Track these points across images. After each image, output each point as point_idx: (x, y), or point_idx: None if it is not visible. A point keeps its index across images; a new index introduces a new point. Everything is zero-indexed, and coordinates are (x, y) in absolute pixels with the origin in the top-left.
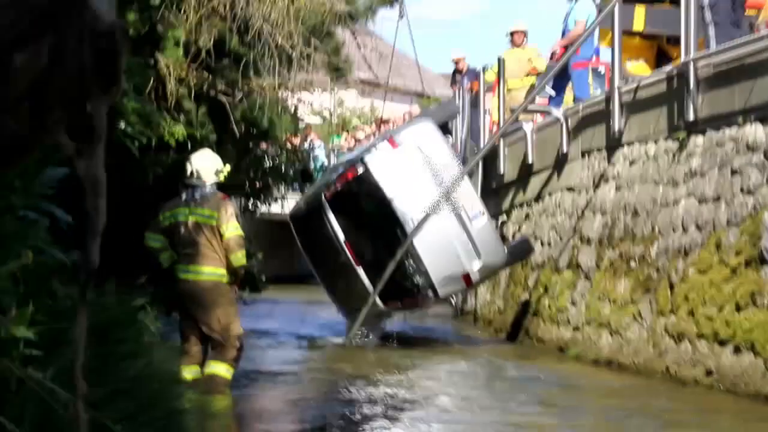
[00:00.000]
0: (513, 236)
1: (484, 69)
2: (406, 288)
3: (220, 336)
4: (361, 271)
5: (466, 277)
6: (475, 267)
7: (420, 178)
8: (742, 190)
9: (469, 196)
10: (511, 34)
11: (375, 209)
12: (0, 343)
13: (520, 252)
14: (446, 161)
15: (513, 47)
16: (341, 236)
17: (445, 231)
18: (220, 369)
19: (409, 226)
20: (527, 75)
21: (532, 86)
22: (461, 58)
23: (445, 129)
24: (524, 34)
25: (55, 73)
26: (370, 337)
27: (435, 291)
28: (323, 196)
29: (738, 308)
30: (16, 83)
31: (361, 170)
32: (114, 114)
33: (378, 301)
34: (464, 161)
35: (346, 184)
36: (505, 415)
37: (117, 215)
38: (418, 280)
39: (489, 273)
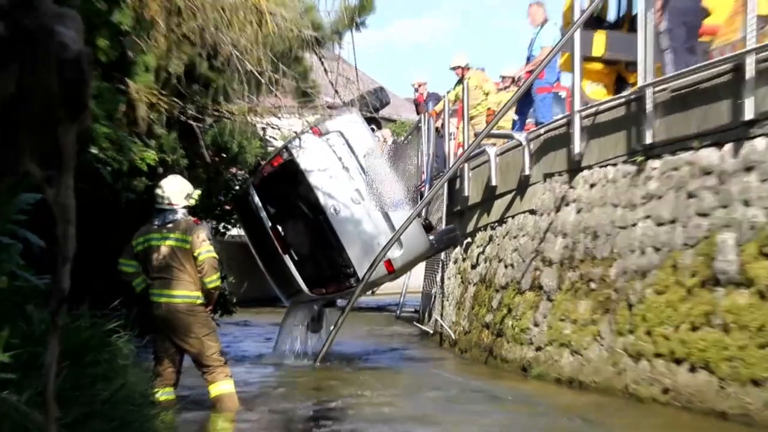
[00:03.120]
0: (446, 230)
1: (448, 92)
2: (330, 275)
3: (199, 356)
4: (287, 258)
5: (388, 264)
6: (396, 254)
7: (343, 166)
8: (697, 212)
9: (391, 187)
10: (452, 69)
11: (298, 196)
12: None
13: (446, 240)
14: (369, 149)
15: (458, 80)
16: (267, 223)
17: (370, 221)
18: (222, 388)
19: (330, 213)
20: (479, 103)
21: (491, 111)
22: (423, 83)
23: (374, 121)
24: (464, 68)
25: (22, 101)
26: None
27: (357, 278)
28: (251, 183)
29: (693, 328)
30: None
31: (285, 157)
32: (85, 140)
33: (305, 288)
34: (430, 183)
35: (272, 171)
36: (468, 429)
37: (90, 240)
38: (341, 267)
39: (412, 260)
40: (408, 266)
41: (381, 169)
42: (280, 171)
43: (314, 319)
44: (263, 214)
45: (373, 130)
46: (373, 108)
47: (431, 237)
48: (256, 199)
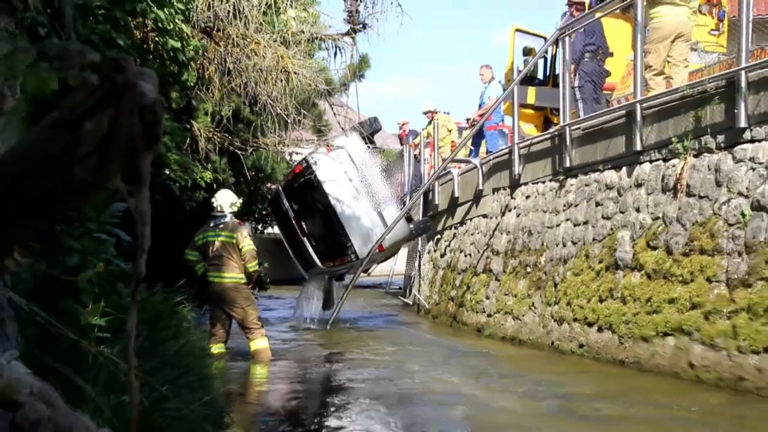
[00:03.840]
0: (421, 220)
1: (423, 129)
2: (337, 252)
3: (243, 321)
4: (305, 240)
5: (381, 246)
6: (384, 238)
7: (346, 173)
8: (602, 216)
9: (383, 190)
10: (425, 113)
11: (314, 195)
12: (81, 328)
13: (422, 229)
14: (366, 162)
15: (429, 121)
16: (291, 214)
17: (365, 213)
18: (259, 344)
19: (337, 207)
20: (444, 137)
21: (454, 143)
22: (406, 122)
23: (370, 140)
24: (433, 112)
25: (113, 136)
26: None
27: (356, 255)
28: (279, 186)
29: (601, 300)
30: (85, 144)
31: (304, 166)
32: (159, 164)
33: (318, 261)
34: (410, 195)
35: (295, 176)
36: (433, 374)
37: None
38: (345, 247)
39: (396, 242)
40: (393, 246)
41: (373, 175)
42: (301, 177)
43: (326, 300)
44: (288, 208)
45: (369, 147)
46: (368, 132)
47: (411, 226)
48: (283, 197)
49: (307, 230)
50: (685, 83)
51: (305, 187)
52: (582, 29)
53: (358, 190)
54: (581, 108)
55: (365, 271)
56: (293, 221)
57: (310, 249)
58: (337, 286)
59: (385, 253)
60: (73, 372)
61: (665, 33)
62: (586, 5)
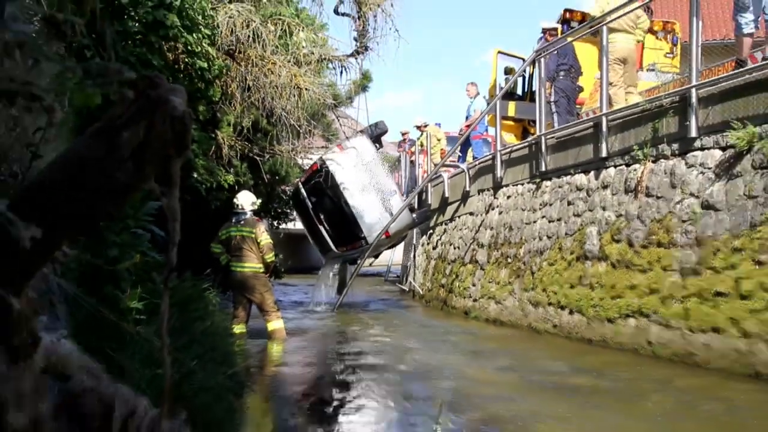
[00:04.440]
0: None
1: (417, 139)
2: (350, 239)
3: (261, 305)
4: (322, 229)
5: (387, 233)
6: (390, 226)
7: (356, 169)
8: (573, 214)
9: (388, 183)
10: (416, 127)
11: (328, 189)
12: (121, 311)
13: (423, 217)
14: (373, 159)
15: (421, 133)
16: (310, 206)
17: (373, 204)
18: (275, 324)
19: (350, 199)
20: (434, 146)
21: (443, 150)
22: (407, 132)
23: (378, 141)
24: (424, 125)
25: (147, 143)
26: (324, 302)
27: (366, 240)
28: (299, 181)
29: (571, 286)
30: (124, 150)
31: (320, 163)
32: (188, 168)
33: (333, 246)
34: (407, 195)
35: (312, 173)
36: (426, 351)
37: (191, 231)
38: (357, 233)
39: (401, 229)
40: (399, 233)
41: (379, 170)
42: (317, 174)
43: (341, 285)
44: (307, 200)
45: (376, 147)
46: (375, 134)
47: (414, 215)
48: (302, 191)
49: (323, 220)
50: (623, 105)
51: (321, 183)
52: (555, 51)
53: (367, 184)
54: (556, 120)
55: (375, 256)
56: (311, 212)
57: (327, 236)
58: (350, 271)
59: (392, 238)
60: (114, 349)
61: (620, 55)
62: (559, 31)
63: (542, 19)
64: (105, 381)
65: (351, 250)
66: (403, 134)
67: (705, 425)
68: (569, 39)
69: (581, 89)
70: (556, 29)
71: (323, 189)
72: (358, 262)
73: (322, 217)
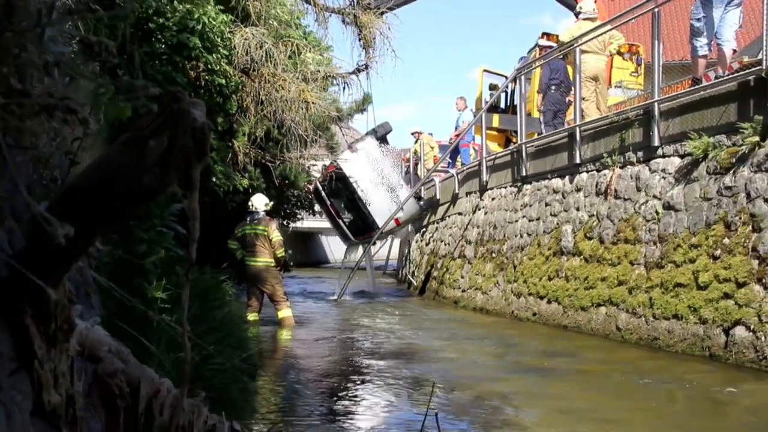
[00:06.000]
0: (425, 201)
1: (412, 146)
2: (365, 228)
3: (272, 295)
4: (340, 221)
5: (397, 220)
6: (400, 214)
7: (366, 167)
8: (551, 214)
9: (396, 177)
10: (412, 134)
11: (343, 186)
12: (148, 301)
13: (429, 206)
14: (380, 158)
15: (416, 140)
16: (328, 201)
17: (383, 195)
18: (285, 313)
19: (362, 194)
20: (427, 153)
21: (436, 157)
22: (420, 131)
23: (384, 140)
24: (419, 133)
25: (171, 151)
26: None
27: (378, 228)
28: (317, 180)
29: (549, 278)
30: (150, 157)
31: (335, 164)
32: (208, 173)
33: (351, 236)
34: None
35: (328, 173)
36: (420, 337)
37: (210, 230)
38: (370, 223)
39: (410, 218)
40: (408, 221)
41: (386, 167)
42: (333, 173)
43: (358, 263)
44: (326, 197)
45: (383, 145)
46: (381, 134)
47: (421, 203)
48: (321, 190)
49: (341, 213)
50: (594, 117)
51: (337, 181)
52: (547, 65)
53: (376, 180)
54: (544, 130)
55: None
56: (330, 207)
57: (345, 227)
58: (369, 266)
59: (402, 226)
60: (141, 335)
61: (590, 74)
62: (556, 39)
63: (528, 37)
64: (132, 363)
65: (365, 238)
66: (413, 133)
67: (660, 399)
68: (539, 63)
69: (570, 103)
70: (551, 47)
71: (339, 186)
72: (374, 244)
73: (339, 211)
